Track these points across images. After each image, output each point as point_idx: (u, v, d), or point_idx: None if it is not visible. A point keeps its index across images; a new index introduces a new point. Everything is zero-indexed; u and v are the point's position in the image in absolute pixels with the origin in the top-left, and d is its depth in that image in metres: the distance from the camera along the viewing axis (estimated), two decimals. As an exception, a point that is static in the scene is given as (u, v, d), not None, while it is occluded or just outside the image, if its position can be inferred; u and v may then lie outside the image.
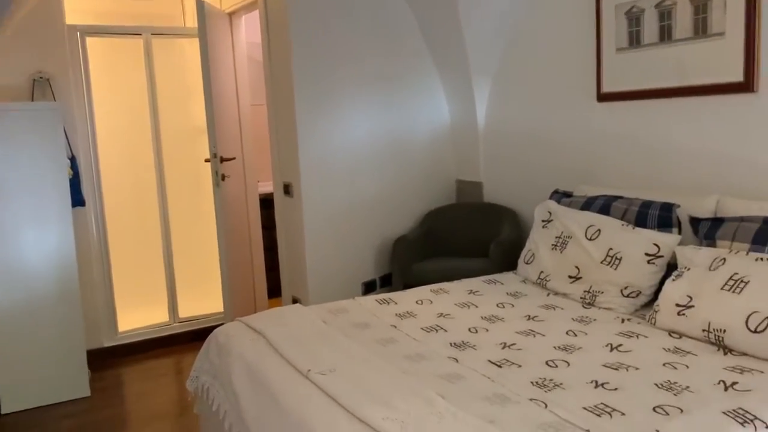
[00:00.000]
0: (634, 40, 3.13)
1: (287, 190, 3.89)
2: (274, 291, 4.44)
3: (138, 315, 4.29)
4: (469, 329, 2.46)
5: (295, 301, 3.93)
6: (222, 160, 3.97)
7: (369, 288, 4.04)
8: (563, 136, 3.67)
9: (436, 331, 2.46)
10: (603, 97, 3.37)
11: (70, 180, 3.59)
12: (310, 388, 1.94)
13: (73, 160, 3.78)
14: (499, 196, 4.19)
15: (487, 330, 2.45)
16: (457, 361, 2.15)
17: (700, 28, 2.82)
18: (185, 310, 4.39)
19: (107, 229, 4.05)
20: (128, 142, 4.35)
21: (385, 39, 4.02)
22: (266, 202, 4.65)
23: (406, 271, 3.80)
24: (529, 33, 3.83)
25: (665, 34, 2.98)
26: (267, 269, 4.62)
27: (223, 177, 3.99)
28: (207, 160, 4.08)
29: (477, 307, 2.74)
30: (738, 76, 2.69)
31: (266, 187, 4.76)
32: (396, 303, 2.83)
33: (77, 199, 3.74)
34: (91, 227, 3.94)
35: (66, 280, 3.42)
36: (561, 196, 3.32)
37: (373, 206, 4.06)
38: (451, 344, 2.31)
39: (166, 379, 3.66)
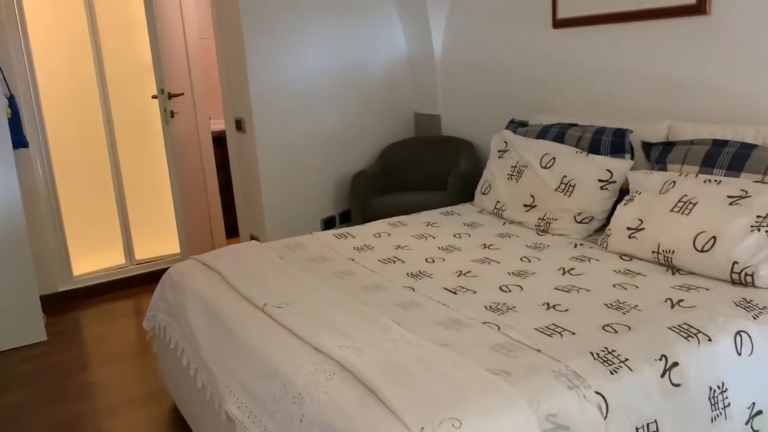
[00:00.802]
0: (590, -37, 3.07)
1: (239, 125, 3.79)
2: (233, 230, 4.39)
3: (94, 258, 4.20)
4: (426, 259, 2.48)
5: (253, 239, 3.89)
6: (170, 96, 3.83)
7: (328, 224, 4.03)
8: (519, 65, 3.63)
9: (394, 262, 2.47)
10: (558, 24, 3.32)
11: (9, 120, 3.42)
12: (266, 321, 1.94)
13: (11, 99, 3.59)
14: (458, 128, 4.17)
15: (443, 260, 2.47)
16: (413, 290, 2.16)
17: (655, -51, 2.77)
18: (142, 252, 4.32)
19: (54, 171, 3.91)
20: (72, 80, 4.14)
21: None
22: (220, 140, 4.53)
23: (366, 206, 3.79)
24: (484, -42, 3.73)
25: (620, -44, 2.92)
26: (224, 209, 4.56)
27: (172, 114, 3.86)
28: (154, 97, 3.93)
29: (434, 238, 2.75)
30: (691, -2, 2.68)
31: (220, 125, 4.63)
32: (354, 237, 2.82)
33: (19, 141, 3.57)
34: (36, 169, 3.79)
35: (11, 224, 3.31)
36: (517, 126, 3.31)
37: (331, 141, 4.00)
38: (408, 274, 2.32)
39: (125, 321, 3.62)
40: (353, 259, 2.53)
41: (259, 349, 1.80)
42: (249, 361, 1.80)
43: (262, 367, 1.73)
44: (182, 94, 4.03)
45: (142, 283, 4.17)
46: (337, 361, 1.62)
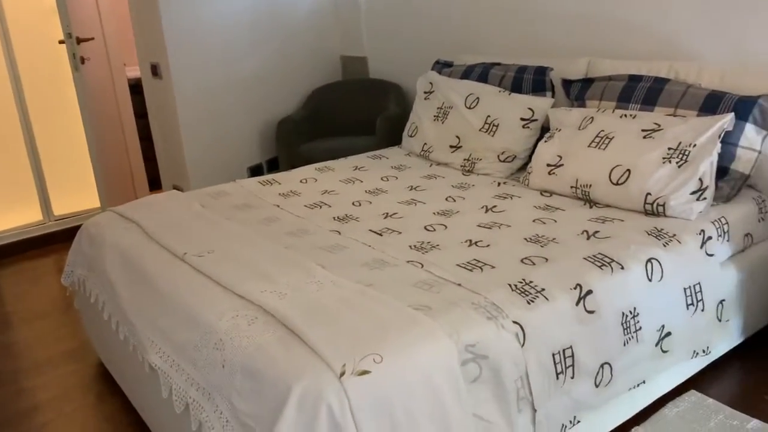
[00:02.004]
0: None
1: (155, 71, 3.61)
2: (156, 182, 4.24)
3: (10, 216, 3.99)
4: (353, 203, 2.46)
5: (176, 190, 3.77)
6: (78, 41, 3.60)
7: (255, 172, 3.94)
8: (444, 5, 3.59)
9: (320, 207, 2.45)
10: (481, -39, 3.28)
11: None
12: (186, 270, 1.89)
13: None
14: (385, 70, 4.11)
15: (370, 203, 2.46)
16: (339, 233, 2.15)
17: None
18: (61, 208, 4.13)
19: (-44, 125, 3.65)
20: (-32, 26, 3.84)
21: None
22: (138, 88, 4.32)
23: (293, 152, 3.72)
24: None
25: None
26: (146, 160, 4.38)
27: (83, 60, 3.64)
28: (62, 42, 3.69)
29: (362, 182, 2.74)
30: (608, -67, 2.68)
31: (136, 71, 4.41)
32: (280, 183, 2.77)
33: None
34: (-65, 124, 3.54)
35: None
36: (442, 66, 3.29)
37: (254, 86, 3.87)
38: (334, 218, 2.30)
39: (46, 278, 3.48)
40: (279, 206, 2.49)
41: (179, 299, 1.76)
42: (170, 311, 1.76)
43: (184, 316, 1.70)
44: (92, 38, 3.80)
45: (62, 239, 4.00)
46: (260, 305, 1.60)
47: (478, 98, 2.88)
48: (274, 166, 4.03)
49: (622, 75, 2.50)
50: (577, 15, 2.93)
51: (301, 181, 2.78)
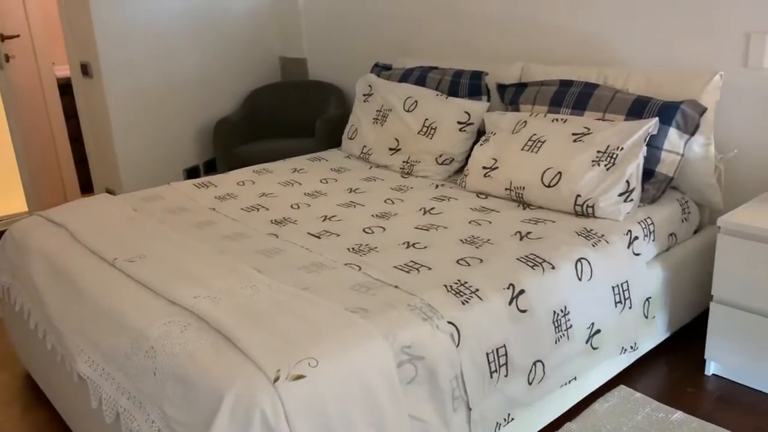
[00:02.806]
0: None
1: (85, 70, 3.49)
2: (89, 186, 4.10)
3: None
4: (291, 206, 2.44)
5: (108, 193, 3.66)
6: (3, 38, 3.45)
7: (192, 174, 3.86)
8: (383, 7, 3.61)
9: (257, 210, 2.42)
10: (419, -34, 3.31)
11: None
12: (117, 276, 1.84)
13: None
14: (325, 72, 4.10)
15: (309, 205, 2.45)
16: (277, 236, 2.13)
17: None
18: (-15, 213, 3.95)
19: None
20: None
21: None
22: (68, 87, 4.17)
23: (231, 154, 3.66)
24: None
25: None
26: (77, 162, 4.23)
27: (8, 58, 3.49)
28: (-15, 39, 3.53)
29: (300, 184, 2.72)
30: (540, -59, 2.75)
31: (66, 71, 4.26)
32: (216, 186, 2.72)
33: None
34: None
35: None
36: (381, 69, 3.31)
37: (191, 86, 3.80)
38: (271, 221, 2.28)
39: (-32, 287, 3.32)
40: (214, 209, 2.44)
41: (109, 306, 1.71)
42: (99, 319, 1.71)
43: (113, 323, 1.65)
44: (18, 35, 3.65)
45: (-14, 246, 3.82)
46: (192, 311, 1.57)
47: (416, 101, 2.91)
48: (211, 167, 3.96)
49: (554, 80, 2.57)
50: (511, 21, 3.00)
51: (238, 184, 2.74)
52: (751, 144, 2.32)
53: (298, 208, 2.42)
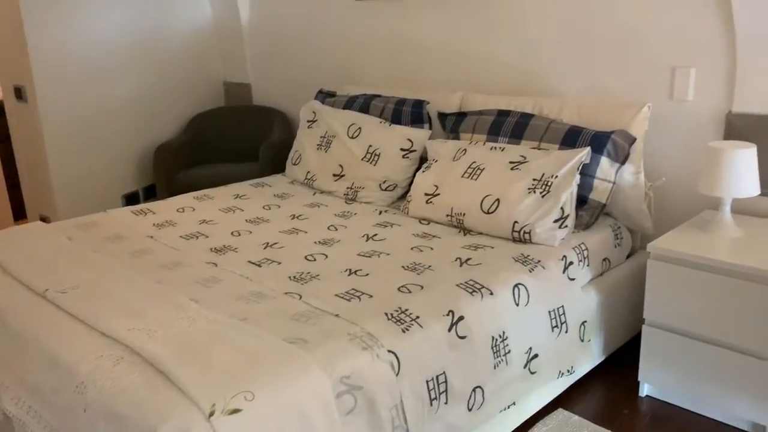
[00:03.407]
0: (388, -65, 3.14)
1: (19, 94, 3.39)
2: (22, 212, 3.96)
3: None
4: (232, 233, 2.42)
5: (42, 220, 3.54)
6: (-70, 59, 3.32)
7: (131, 201, 3.77)
8: (327, 35, 3.64)
9: (197, 238, 2.38)
10: (362, -5, 3.37)
11: None
12: (47, 308, 1.77)
13: None
14: (269, 97, 4.09)
15: (250, 232, 2.43)
16: (216, 265, 2.10)
17: (446, -74, 2.89)
18: None
19: None
20: None
21: None
22: (1, 110, 4.04)
23: (171, 180, 3.60)
24: (287, -76, 3.66)
25: (416, -69, 3.02)
26: (10, 187, 4.08)
27: (-65, 80, 3.36)
28: None
29: (242, 210, 2.70)
30: (478, -25, 2.84)
31: None
32: (154, 213, 2.67)
33: None
34: None
35: None
36: (325, 96, 3.33)
37: (132, 110, 3.73)
38: (211, 249, 2.25)
39: None
40: (152, 237, 2.39)
41: (38, 339, 1.64)
42: (27, 353, 1.64)
43: (42, 358, 1.59)
44: (-53, 57, 3.51)
45: None
46: (126, 344, 1.53)
47: (360, 128, 2.94)
48: (151, 193, 3.88)
49: (492, 110, 2.64)
50: (452, 52, 3.08)
51: (177, 211, 2.70)
52: (679, 172, 2.43)
53: (239, 235, 2.40)
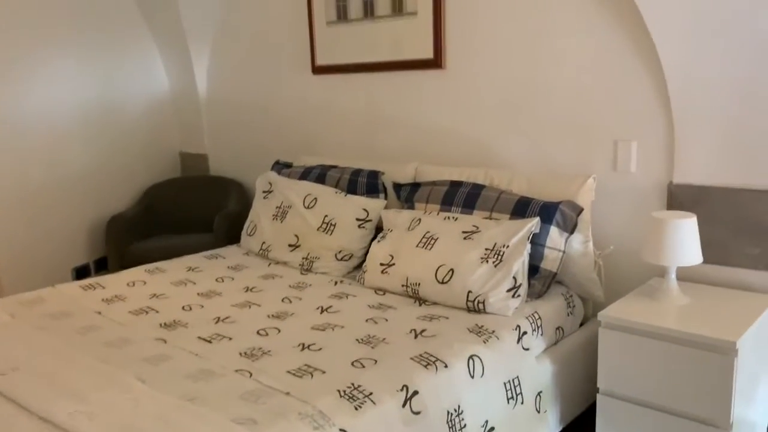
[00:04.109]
0: (342, 14, 3.25)
1: (-33, 168, 3.34)
2: (-36, 286, 3.81)
3: None
4: (183, 307, 2.37)
5: (-13, 295, 3.41)
6: None
7: (82, 274, 3.68)
8: (284, 107, 3.71)
9: (147, 313, 2.32)
10: (317, 70, 3.45)
11: None
12: (-18, 392, 1.69)
13: None
14: (226, 168, 4.11)
15: (202, 306, 2.38)
16: (165, 342, 2.04)
17: (397, 6, 3.02)
18: None
19: None
20: None
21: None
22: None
23: (124, 252, 3.53)
24: (244, 2, 3.76)
25: (369, 10, 3.14)
26: (-47, 261, 3.94)
27: None
28: None
29: (195, 284, 2.65)
30: (429, 53, 2.95)
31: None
32: (104, 287, 2.60)
33: None
34: None
35: None
36: (282, 167, 3.35)
37: (83, 182, 3.69)
38: (161, 325, 2.19)
39: None
40: (100, 312, 2.33)
41: (-31, 427, 1.56)
42: (-43, 443, 1.55)
43: (-27, 447, 1.50)
44: None
45: None
46: (65, 430, 1.46)
47: (315, 198, 2.95)
48: (102, 266, 3.79)
49: (445, 181, 2.69)
50: (404, 122, 3.16)
51: (128, 285, 2.64)
52: (626, 240, 2.50)
53: (190, 309, 2.35)
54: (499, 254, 2.25)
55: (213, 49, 3.98)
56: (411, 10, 2.97)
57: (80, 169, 3.67)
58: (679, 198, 2.35)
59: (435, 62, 2.94)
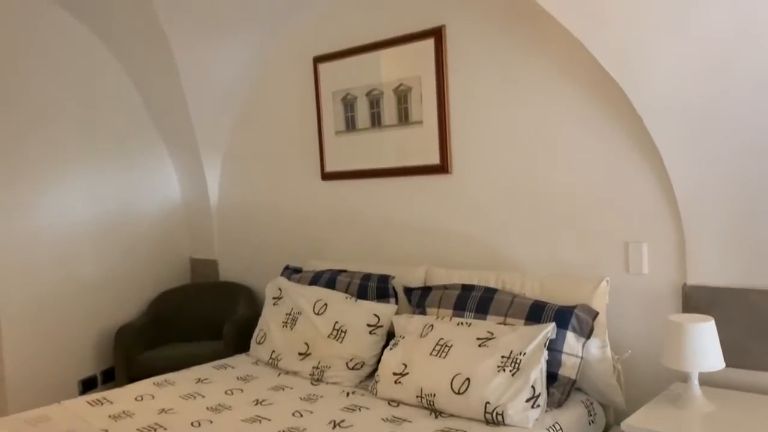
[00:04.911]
0: (350, 124, 3.37)
1: (-21, 281, 3.35)
2: (-32, 400, 3.73)
3: None
4: (192, 423, 2.30)
5: (-9, 411, 3.33)
6: None
7: (89, 386, 3.61)
8: (293, 212, 3.76)
9: (155, 430, 2.25)
10: (327, 176, 3.53)
11: None
12: None
13: None
14: (236, 273, 4.11)
15: (211, 422, 2.31)
16: (173, 462, 1.97)
17: (403, 116, 3.13)
18: None
19: None
20: None
21: (99, 107, 3.76)
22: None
23: (132, 362, 3.48)
24: (255, 113, 3.91)
25: (376, 120, 3.25)
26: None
27: None
28: None
29: (204, 397, 2.59)
30: (435, 159, 3.03)
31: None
32: (111, 403, 2.54)
33: None
34: None
35: None
36: (291, 272, 3.36)
37: (94, 292, 3.69)
38: (169, 443, 2.12)
39: None
40: (107, 431, 2.26)
41: None
42: None
43: None
44: None
45: None
46: None
47: (326, 304, 2.93)
48: (110, 376, 3.72)
49: (457, 284, 2.68)
50: (413, 225, 3.18)
51: (136, 399, 2.58)
52: (644, 344, 2.45)
53: (199, 425, 2.28)
54: (516, 362, 2.20)
55: (225, 158, 4.09)
56: (416, 119, 3.07)
57: (91, 279, 3.68)
58: (694, 300, 2.32)
59: (441, 167, 3.01)
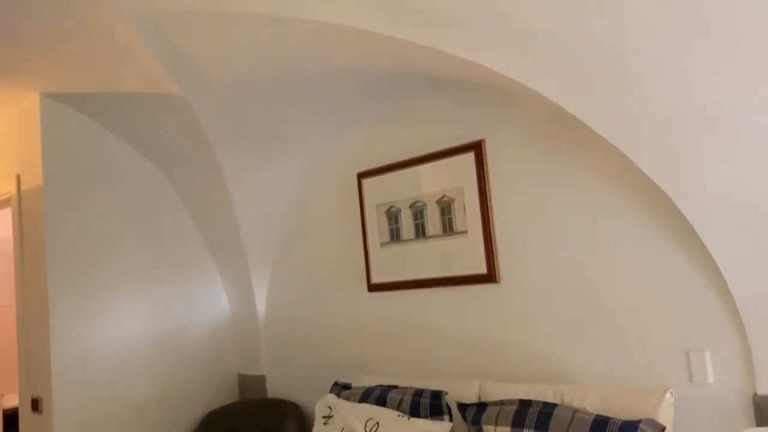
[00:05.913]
0: (395, 235, 3.42)
1: (36, 405, 3.37)
2: None
3: None
4: None
5: None
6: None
7: None
8: (340, 325, 3.75)
9: None
10: (373, 288, 3.54)
11: None
12: None
13: None
14: (283, 389, 4.07)
15: None
16: None
17: (448, 227, 3.17)
18: None
19: None
20: None
21: (156, 233, 3.92)
22: (15, 417, 3.99)
23: (181, 486, 3.40)
24: (302, 228, 4.00)
25: (420, 231, 3.29)
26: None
27: (-47, 396, 3.36)
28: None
29: None
30: (482, 269, 3.02)
31: (14, 400, 4.11)
32: None
33: None
34: None
35: None
36: (341, 389, 3.30)
37: (143, 414, 3.67)
38: None
39: None
40: None
41: None
42: None
43: None
44: (-31, 370, 3.57)
45: None
46: None
47: (378, 423, 2.86)
48: (158, 504, 3.63)
49: (514, 400, 2.59)
50: (463, 337, 3.13)
51: None
52: (718, 459, 2.31)
53: None
54: (582, 485, 2.08)
55: (273, 273, 4.16)
56: (461, 229, 3.11)
57: (141, 401, 3.68)
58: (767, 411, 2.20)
59: (489, 277, 3.00)
